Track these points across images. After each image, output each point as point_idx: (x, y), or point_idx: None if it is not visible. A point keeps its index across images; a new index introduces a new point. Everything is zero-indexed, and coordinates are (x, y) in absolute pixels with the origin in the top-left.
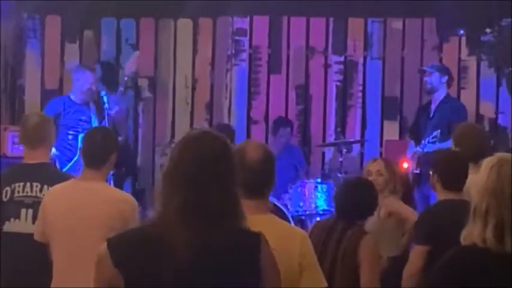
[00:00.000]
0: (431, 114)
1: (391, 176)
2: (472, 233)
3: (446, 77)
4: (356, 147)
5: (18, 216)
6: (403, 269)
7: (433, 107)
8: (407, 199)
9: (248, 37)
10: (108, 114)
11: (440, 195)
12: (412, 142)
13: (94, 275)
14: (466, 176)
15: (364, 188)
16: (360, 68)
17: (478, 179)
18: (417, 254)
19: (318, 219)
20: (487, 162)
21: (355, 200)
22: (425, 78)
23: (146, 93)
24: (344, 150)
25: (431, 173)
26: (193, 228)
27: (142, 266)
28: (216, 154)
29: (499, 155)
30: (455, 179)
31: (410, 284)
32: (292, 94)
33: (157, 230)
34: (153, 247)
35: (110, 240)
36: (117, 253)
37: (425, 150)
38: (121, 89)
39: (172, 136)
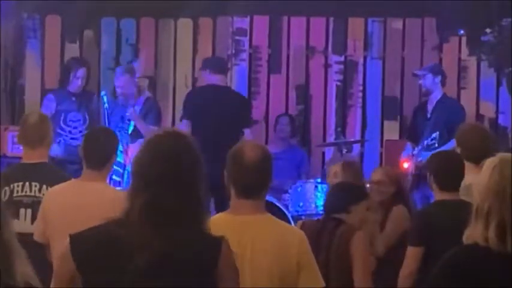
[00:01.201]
0: (429, 115)
1: (346, 178)
2: (474, 233)
3: (439, 77)
4: (356, 147)
5: (17, 216)
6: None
7: (430, 107)
8: (396, 200)
9: (248, 37)
10: (107, 114)
11: (436, 195)
12: (409, 144)
13: (56, 269)
14: (462, 176)
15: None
16: (360, 68)
17: (480, 179)
18: (412, 255)
19: (304, 219)
20: (489, 163)
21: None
22: (420, 82)
23: (146, 93)
24: (344, 150)
25: (428, 174)
26: (155, 229)
27: (101, 264)
28: (178, 154)
29: (500, 155)
30: (450, 179)
31: (406, 285)
32: (292, 94)
33: (119, 228)
34: (114, 246)
35: (72, 236)
36: (78, 250)
37: (424, 151)
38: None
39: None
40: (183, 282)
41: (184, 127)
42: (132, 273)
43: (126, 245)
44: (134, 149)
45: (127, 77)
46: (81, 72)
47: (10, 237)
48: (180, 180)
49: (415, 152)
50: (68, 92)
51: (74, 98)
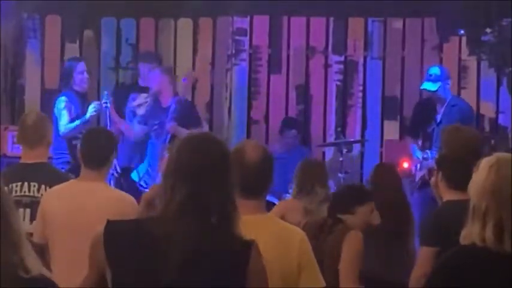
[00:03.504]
0: (439, 119)
1: (303, 179)
2: (471, 233)
3: (449, 81)
4: (356, 147)
5: None
6: None
7: (440, 110)
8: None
9: (248, 37)
10: (108, 114)
11: (446, 195)
12: (410, 140)
13: (89, 255)
14: (471, 175)
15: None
16: (360, 68)
17: (476, 178)
18: (426, 255)
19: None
20: (486, 162)
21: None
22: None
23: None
24: (344, 150)
25: (435, 172)
26: (190, 226)
27: (131, 259)
28: (212, 153)
29: (497, 154)
30: (466, 178)
31: (419, 286)
32: (292, 94)
33: (155, 225)
34: (147, 242)
35: (108, 225)
36: (111, 241)
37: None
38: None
39: (173, 136)
40: (213, 281)
41: None
42: (163, 270)
43: (160, 241)
44: None
45: (155, 73)
46: (82, 66)
47: (19, 229)
48: (215, 178)
49: (425, 156)
50: (76, 93)
51: (81, 99)
